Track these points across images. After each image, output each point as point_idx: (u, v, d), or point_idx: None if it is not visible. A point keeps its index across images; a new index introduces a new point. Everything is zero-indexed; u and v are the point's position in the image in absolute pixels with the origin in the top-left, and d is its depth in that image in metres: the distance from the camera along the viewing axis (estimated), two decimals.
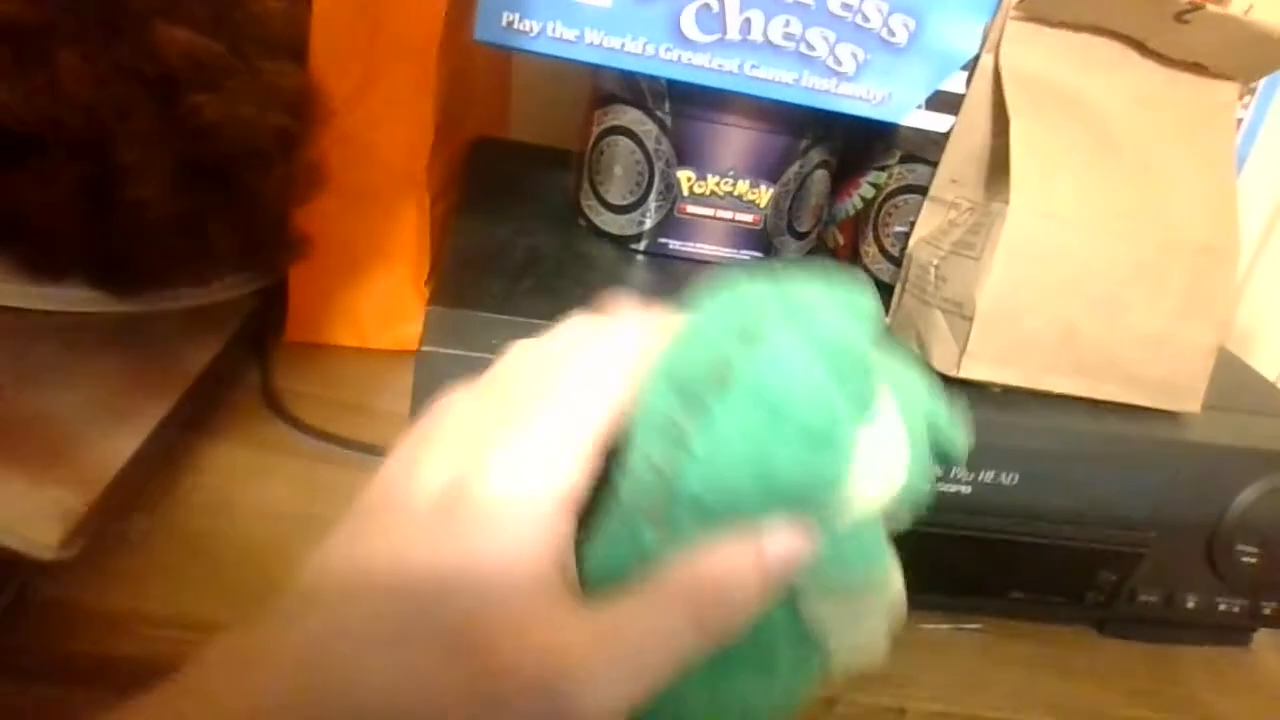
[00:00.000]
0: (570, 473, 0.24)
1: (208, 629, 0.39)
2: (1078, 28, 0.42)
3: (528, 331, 0.39)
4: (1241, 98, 0.46)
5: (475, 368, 0.37)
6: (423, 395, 0.38)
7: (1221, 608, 0.47)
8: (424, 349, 0.37)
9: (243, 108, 0.45)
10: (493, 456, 0.24)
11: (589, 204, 0.52)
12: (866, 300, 0.27)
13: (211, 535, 0.43)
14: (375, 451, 0.50)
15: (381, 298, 0.59)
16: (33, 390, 0.44)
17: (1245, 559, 0.45)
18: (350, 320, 0.59)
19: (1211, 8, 0.39)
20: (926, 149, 0.49)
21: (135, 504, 0.43)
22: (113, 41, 0.43)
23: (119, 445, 0.42)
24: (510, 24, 0.43)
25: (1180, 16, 0.40)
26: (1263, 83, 0.46)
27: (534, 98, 0.74)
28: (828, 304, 0.26)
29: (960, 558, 0.37)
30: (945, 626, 0.47)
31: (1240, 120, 0.47)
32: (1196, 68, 0.43)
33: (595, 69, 0.50)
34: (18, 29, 0.40)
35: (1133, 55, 0.43)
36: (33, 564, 0.35)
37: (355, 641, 0.23)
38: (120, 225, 0.43)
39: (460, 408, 0.27)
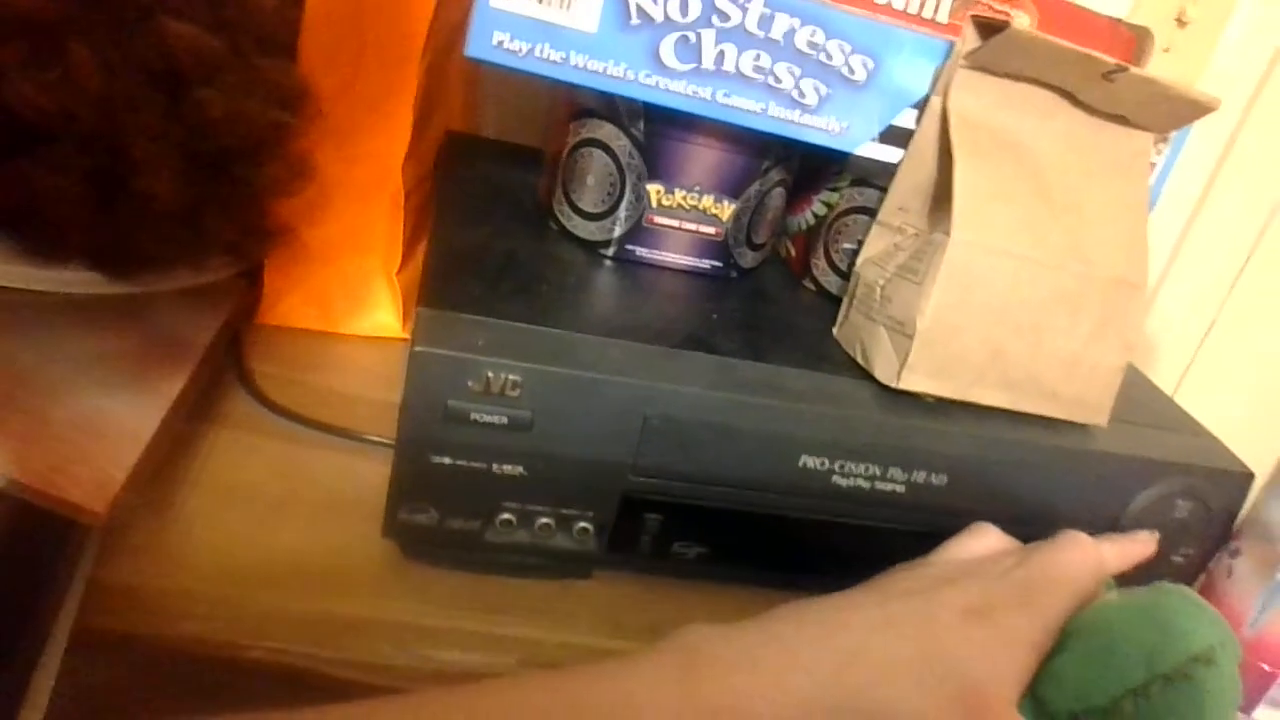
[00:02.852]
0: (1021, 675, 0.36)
1: (210, 603, 0.41)
2: (1018, 79, 0.46)
3: (508, 332, 0.42)
4: (1156, 145, 0.51)
5: (462, 367, 0.41)
6: (415, 390, 0.41)
7: None
8: (416, 349, 0.40)
9: (244, 103, 0.47)
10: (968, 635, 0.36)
11: (561, 209, 0.55)
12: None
13: (197, 514, 0.45)
14: (347, 435, 0.52)
15: (354, 286, 0.61)
16: (57, 367, 0.44)
17: None
18: (322, 306, 0.61)
19: (1134, 70, 0.44)
20: (875, 174, 0.53)
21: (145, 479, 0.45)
22: (121, 36, 0.44)
23: (142, 417, 0.43)
24: (501, 43, 0.45)
25: (1108, 75, 0.45)
26: (1175, 133, 0.52)
27: (503, 93, 0.76)
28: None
29: (894, 549, 0.41)
30: None
31: (1154, 164, 0.52)
32: (1120, 119, 0.48)
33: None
34: (34, 22, 0.41)
35: (1065, 105, 0.47)
36: (76, 542, 0.37)
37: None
38: (125, 213, 0.45)
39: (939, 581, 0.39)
